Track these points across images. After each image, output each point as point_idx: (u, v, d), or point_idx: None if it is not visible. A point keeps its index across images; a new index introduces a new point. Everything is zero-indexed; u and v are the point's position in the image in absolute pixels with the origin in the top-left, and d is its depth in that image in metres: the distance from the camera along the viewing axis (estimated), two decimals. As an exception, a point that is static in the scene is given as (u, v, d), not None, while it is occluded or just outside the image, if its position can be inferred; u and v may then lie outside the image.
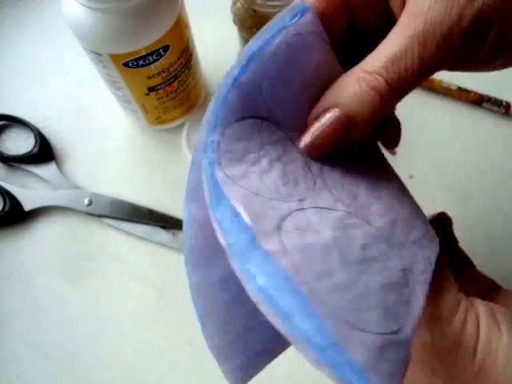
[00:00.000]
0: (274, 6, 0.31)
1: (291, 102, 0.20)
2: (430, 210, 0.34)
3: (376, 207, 0.20)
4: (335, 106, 0.19)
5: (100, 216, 0.38)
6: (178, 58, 0.33)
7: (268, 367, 0.32)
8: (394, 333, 0.16)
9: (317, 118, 0.19)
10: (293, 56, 0.19)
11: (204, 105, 0.42)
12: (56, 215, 0.39)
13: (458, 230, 0.38)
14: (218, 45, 0.44)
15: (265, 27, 0.20)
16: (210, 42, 0.44)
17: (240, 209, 0.16)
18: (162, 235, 0.38)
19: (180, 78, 0.35)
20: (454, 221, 0.38)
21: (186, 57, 0.35)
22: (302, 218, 0.18)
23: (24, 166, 0.40)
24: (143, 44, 0.30)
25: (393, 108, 0.23)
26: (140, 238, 0.38)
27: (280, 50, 0.19)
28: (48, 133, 0.42)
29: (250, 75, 0.19)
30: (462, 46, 0.18)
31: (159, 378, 0.35)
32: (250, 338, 0.23)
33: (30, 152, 0.40)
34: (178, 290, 0.37)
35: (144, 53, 0.30)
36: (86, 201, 0.39)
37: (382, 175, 0.22)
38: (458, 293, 0.19)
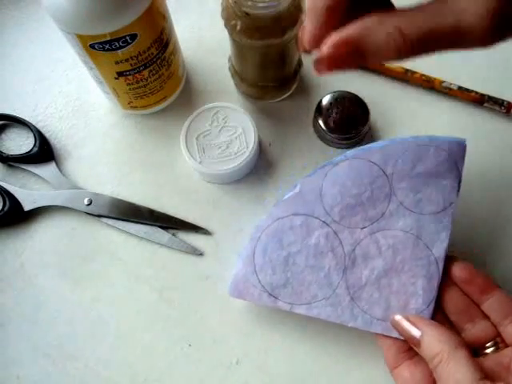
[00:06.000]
0: (265, 7, 0.31)
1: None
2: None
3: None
4: (360, 39, 0.22)
5: (100, 216, 0.38)
6: (149, 48, 0.34)
7: (267, 367, 0.32)
8: None
9: (339, 40, 0.22)
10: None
11: (180, 98, 0.42)
12: (56, 215, 0.39)
13: (458, 230, 0.38)
14: (204, 40, 0.44)
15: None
16: (196, 37, 0.44)
17: None
18: (162, 235, 0.38)
19: (151, 68, 0.36)
20: (453, 220, 0.38)
21: (159, 47, 0.35)
22: None
23: (24, 166, 0.40)
24: (108, 29, 0.30)
25: None
26: (140, 237, 0.38)
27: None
28: (48, 133, 0.42)
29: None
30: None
31: (159, 378, 0.35)
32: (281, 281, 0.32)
33: (29, 152, 0.40)
34: (177, 290, 0.37)
35: (109, 38, 0.31)
36: (85, 201, 0.39)
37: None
38: None
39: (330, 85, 0.42)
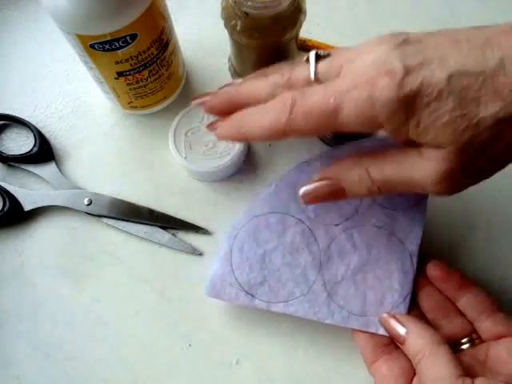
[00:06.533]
0: (264, 7, 0.31)
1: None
2: (430, 209, 0.34)
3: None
4: (338, 180, 0.27)
5: (100, 216, 0.38)
6: (149, 48, 0.34)
7: (267, 367, 0.32)
8: None
9: (321, 179, 0.28)
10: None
11: (180, 98, 0.42)
12: (56, 215, 0.39)
13: (458, 230, 0.38)
14: (204, 40, 0.44)
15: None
16: (196, 37, 0.44)
17: None
18: (162, 235, 0.38)
19: (151, 68, 0.36)
20: (454, 220, 0.38)
21: (159, 47, 0.35)
22: None
23: (24, 166, 0.40)
24: (108, 29, 0.30)
25: None
26: (140, 237, 0.38)
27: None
28: (48, 133, 0.42)
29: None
30: None
31: (159, 377, 0.35)
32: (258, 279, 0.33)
33: (29, 152, 0.40)
34: (177, 290, 0.37)
35: (109, 38, 0.31)
36: (85, 201, 0.39)
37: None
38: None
39: (330, 85, 0.42)
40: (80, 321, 0.36)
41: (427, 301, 0.31)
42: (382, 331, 0.31)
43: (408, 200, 0.32)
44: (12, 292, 0.37)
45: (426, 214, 0.33)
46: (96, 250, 0.38)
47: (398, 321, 0.29)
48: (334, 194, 0.27)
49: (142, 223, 0.38)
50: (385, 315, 0.30)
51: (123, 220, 0.38)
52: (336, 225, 0.33)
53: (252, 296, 0.32)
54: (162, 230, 0.38)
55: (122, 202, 0.39)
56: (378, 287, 0.32)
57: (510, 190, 0.38)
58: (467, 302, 0.30)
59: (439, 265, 0.31)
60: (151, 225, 0.38)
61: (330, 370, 0.34)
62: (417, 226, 0.32)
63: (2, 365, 0.35)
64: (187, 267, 0.37)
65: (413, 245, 0.32)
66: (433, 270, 0.31)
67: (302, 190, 0.29)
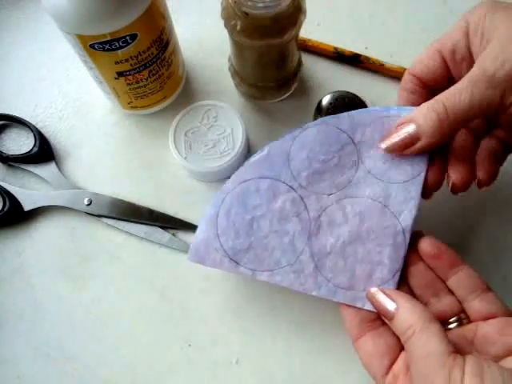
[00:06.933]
0: (264, 7, 0.30)
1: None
2: (430, 209, 0.34)
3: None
4: (411, 120, 0.29)
5: (100, 216, 0.38)
6: (149, 48, 0.34)
7: (267, 366, 0.32)
8: None
9: (399, 126, 0.30)
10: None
11: (180, 98, 0.42)
12: (56, 215, 0.39)
13: (458, 230, 0.38)
14: (204, 40, 0.44)
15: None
16: (196, 37, 0.44)
17: None
18: (162, 235, 0.38)
19: (151, 68, 0.36)
20: (454, 221, 0.38)
21: (159, 47, 0.35)
22: None
23: (24, 166, 0.40)
24: (108, 29, 0.31)
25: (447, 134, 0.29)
26: (140, 238, 0.38)
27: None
28: (48, 133, 0.42)
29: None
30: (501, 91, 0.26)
31: (159, 378, 0.35)
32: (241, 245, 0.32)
33: (29, 152, 0.40)
34: (177, 290, 0.37)
35: (109, 38, 0.31)
36: (85, 201, 0.39)
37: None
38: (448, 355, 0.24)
39: (330, 85, 0.42)
40: (80, 321, 0.36)
41: (417, 277, 0.30)
42: (368, 306, 0.30)
43: (405, 172, 0.31)
44: (12, 292, 0.37)
45: (421, 188, 0.31)
46: (96, 250, 0.38)
47: (387, 295, 0.28)
48: (410, 138, 0.29)
49: (141, 223, 0.38)
50: (373, 289, 0.29)
51: (123, 220, 0.38)
52: (329, 194, 0.32)
53: (237, 263, 0.31)
54: (161, 230, 0.38)
55: (122, 202, 0.39)
56: (368, 261, 0.31)
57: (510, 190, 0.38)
58: (457, 280, 0.29)
59: (433, 241, 0.30)
60: (151, 225, 0.38)
61: (330, 370, 0.34)
62: (412, 200, 0.31)
63: (2, 364, 0.35)
64: (187, 267, 0.37)
65: (406, 219, 0.31)
66: (425, 247, 0.30)
67: (384, 144, 0.31)
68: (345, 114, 0.33)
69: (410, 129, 0.29)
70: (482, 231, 0.37)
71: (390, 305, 0.28)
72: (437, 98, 0.29)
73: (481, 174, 0.30)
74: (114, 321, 0.36)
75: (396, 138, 0.30)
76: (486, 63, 0.27)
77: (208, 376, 0.35)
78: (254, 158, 0.33)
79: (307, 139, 0.32)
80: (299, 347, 0.35)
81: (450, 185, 0.30)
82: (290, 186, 0.32)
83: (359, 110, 0.33)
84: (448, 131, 0.28)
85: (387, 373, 0.28)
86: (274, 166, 0.32)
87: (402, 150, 0.30)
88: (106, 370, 0.35)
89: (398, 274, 0.31)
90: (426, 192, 0.31)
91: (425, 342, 0.25)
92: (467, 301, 0.29)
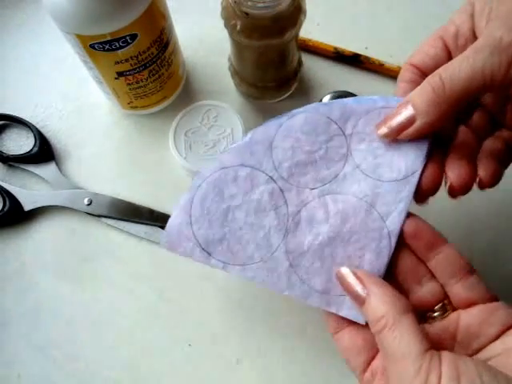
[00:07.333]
0: (264, 7, 0.30)
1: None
2: (430, 208, 0.34)
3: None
4: (408, 100, 0.26)
5: (100, 216, 0.38)
6: (149, 48, 0.34)
7: (267, 366, 0.32)
8: None
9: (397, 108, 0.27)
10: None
11: (180, 98, 0.42)
12: (56, 215, 0.39)
13: (458, 230, 0.38)
14: (204, 40, 0.44)
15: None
16: (196, 37, 0.44)
17: None
18: (162, 235, 0.38)
19: (151, 68, 0.36)
20: (454, 221, 0.38)
21: (159, 47, 0.35)
22: None
23: (24, 166, 0.40)
24: (108, 29, 0.31)
25: (447, 116, 0.26)
26: (140, 237, 0.38)
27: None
28: (48, 133, 0.42)
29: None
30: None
31: (159, 378, 0.35)
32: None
33: (29, 152, 0.40)
34: (177, 290, 0.37)
35: (109, 38, 0.31)
36: (85, 201, 0.39)
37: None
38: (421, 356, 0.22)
39: (330, 85, 0.42)
40: (80, 321, 0.36)
41: (399, 262, 0.28)
42: (343, 313, 0.28)
43: (398, 170, 0.28)
44: (13, 292, 0.37)
45: (414, 189, 0.28)
46: (96, 250, 0.38)
47: (357, 279, 0.26)
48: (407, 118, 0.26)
49: (141, 223, 0.38)
50: (344, 270, 0.27)
51: (123, 220, 0.38)
52: (311, 189, 0.29)
53: (208, 254, 0.29)
54: (161, 230, 0.38)
55: (122, 201, 0.39)
56: (347, 265, 0.28)
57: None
58: (438, 262, 0.26)
59: (412, 219, 0.27)
60: (151, 225, 0.38)
61: (330, 370, 0.34)
62: (403, 201, 0.28)
63: (3, 363, 0.35)
64: (187, 267, 0.37)
65: (394, 223, 0.28)
66: (405, 226, 0.27)
67: (381, 130, 0.28)
68: (338, 101, 0.30)
69: (407, 110, 0.26)
70: (482, 231, 0.37)
71: (360, 289, 0.25)
72: (436, 71, 0.25)
73: (482, 172, 0.26)
74: (114, 321, 0.36)
75: (391, 119, 0.27)
76: (492, 30, 0.24)
77: (208, 376, 0.35)
78: (235, 145, 0.30)
79: (293, 127, 0.30)
80: (299, 347, 0.35)
81: (448, 186, 0.27)
82: (270, 177, 0.30)
83: (355, 97, 0.30)
84: (445, 109, 0.25)
85: (365, 369, 0.26)
86: (255, 154, 0.30)
87: (397, 135, 0.27)
88: (106, 370, 0.35)
89: None
90: (420, 194, 0.27)
91: (398, 340, 0.23)
92: (449, 285, 0.26)
